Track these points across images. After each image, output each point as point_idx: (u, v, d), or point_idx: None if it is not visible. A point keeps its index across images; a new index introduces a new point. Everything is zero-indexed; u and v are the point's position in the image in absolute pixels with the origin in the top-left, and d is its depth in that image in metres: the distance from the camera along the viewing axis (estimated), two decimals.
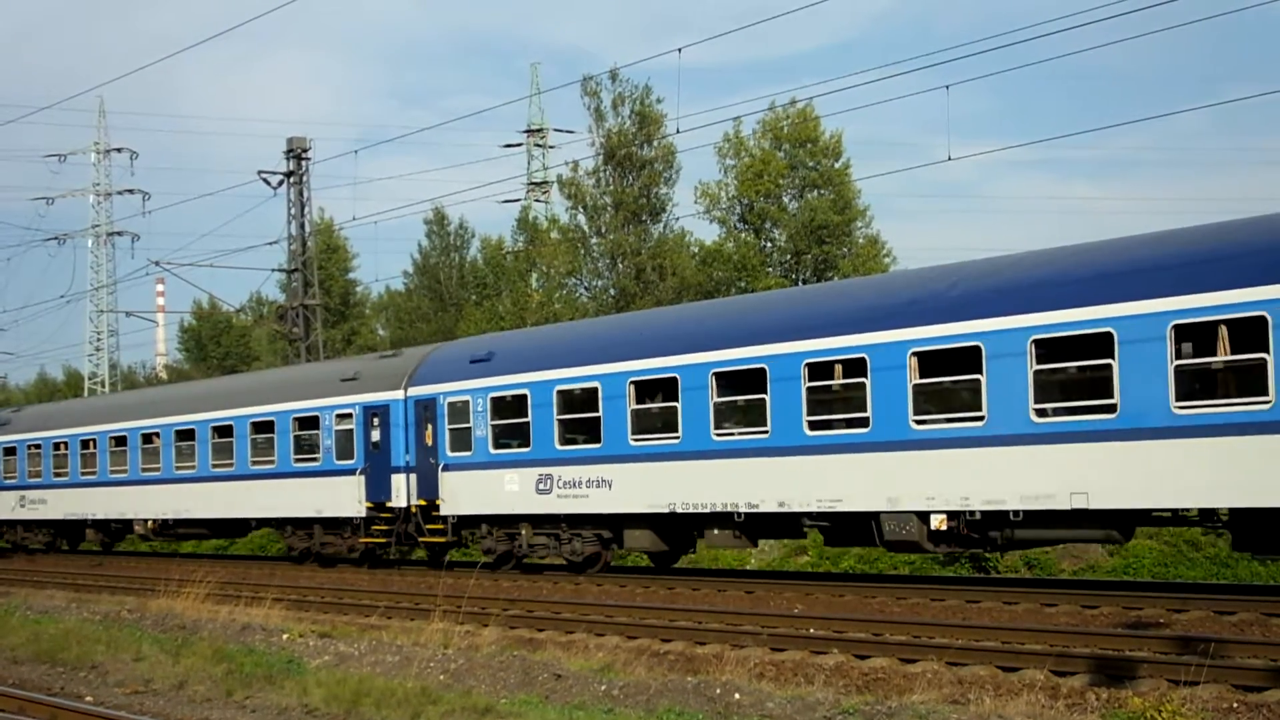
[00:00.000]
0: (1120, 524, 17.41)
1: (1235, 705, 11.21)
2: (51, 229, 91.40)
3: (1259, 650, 13.11)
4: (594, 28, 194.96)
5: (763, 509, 20.09)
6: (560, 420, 23.21)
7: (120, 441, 35.75)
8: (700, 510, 20.99)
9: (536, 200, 76.44)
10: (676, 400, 21.16)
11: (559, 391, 23.21)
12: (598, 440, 22.46)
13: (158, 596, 21.80)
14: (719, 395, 20.70)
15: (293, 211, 42.96)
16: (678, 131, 38.42)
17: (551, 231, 51.93)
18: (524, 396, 23.79)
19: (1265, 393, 15.22)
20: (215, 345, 77.76)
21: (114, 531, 38.10)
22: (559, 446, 23.14)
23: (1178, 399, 15.80)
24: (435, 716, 11.95)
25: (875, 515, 18.80)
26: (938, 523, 18.20)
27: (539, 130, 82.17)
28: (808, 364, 19.46)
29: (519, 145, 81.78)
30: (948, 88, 27.01)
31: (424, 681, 13.52)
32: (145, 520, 34.90)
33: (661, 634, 16.69)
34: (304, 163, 42.69)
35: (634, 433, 21.90)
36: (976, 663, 13.47)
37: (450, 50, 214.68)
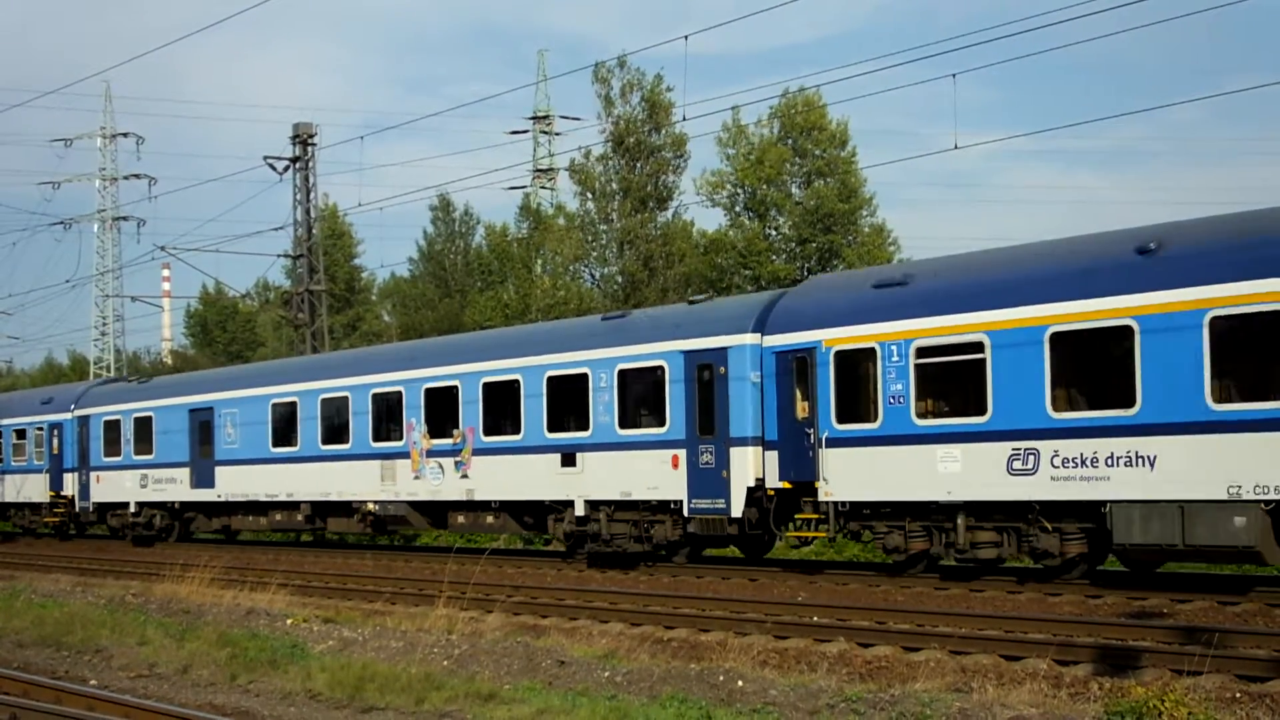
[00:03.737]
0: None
1: (1238, 695, 11.21)
2: (57, 214, 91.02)
3: (1262, 640, 13.12)
4: (600, 15, 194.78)
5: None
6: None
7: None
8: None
9: (542, 187, 76.23)
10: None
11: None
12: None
13: (162, 581, 21.85)
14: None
15: (298, 197, 42.96)
16: (684, 119, 38.36)
17: (558, 218, 51.79)
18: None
19: None
20: (221, 331, 77.94)
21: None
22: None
23: None
24: (439, 702, 11.97)
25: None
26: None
27: (545, 117, 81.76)
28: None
29: (524, 132, 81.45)
30: (954, 76, 26.97)
31: (428, 667, 13.54)
32: None
33: (665, 621, 16.72)
34: (310, 148, 42.69)
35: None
36: (979, 651, 13.50)
37: (456, 37, 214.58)
